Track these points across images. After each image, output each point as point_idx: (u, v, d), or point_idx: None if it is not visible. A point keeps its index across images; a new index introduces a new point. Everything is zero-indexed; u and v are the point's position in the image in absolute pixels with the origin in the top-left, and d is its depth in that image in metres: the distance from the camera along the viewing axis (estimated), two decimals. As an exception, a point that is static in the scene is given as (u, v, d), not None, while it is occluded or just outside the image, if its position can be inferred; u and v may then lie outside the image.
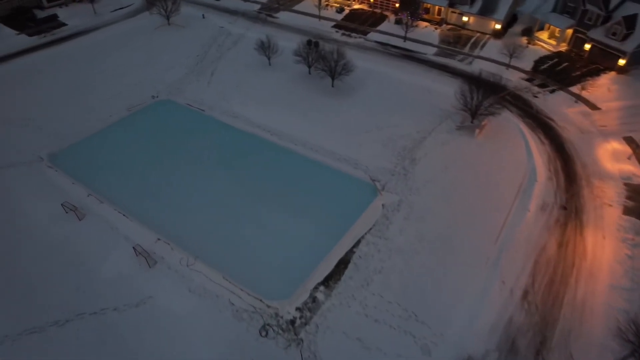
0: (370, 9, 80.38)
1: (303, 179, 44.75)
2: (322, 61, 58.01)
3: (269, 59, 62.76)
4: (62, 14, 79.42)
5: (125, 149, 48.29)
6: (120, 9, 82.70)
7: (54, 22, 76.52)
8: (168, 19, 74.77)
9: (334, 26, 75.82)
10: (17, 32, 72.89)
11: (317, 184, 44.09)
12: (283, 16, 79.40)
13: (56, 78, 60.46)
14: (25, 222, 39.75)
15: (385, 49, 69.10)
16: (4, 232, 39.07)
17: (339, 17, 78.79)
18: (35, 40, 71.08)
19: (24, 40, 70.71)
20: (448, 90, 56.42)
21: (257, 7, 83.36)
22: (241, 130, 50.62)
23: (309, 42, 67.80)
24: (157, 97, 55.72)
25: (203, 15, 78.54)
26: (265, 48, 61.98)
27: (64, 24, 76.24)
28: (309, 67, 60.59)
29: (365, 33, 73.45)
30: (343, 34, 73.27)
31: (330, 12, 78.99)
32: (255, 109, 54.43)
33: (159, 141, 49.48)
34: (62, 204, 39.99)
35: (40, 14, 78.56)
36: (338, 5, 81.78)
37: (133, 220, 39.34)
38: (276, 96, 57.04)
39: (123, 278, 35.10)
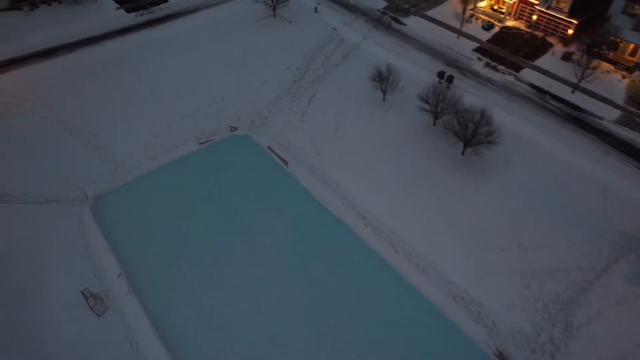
0: (529, 30, 58.98)
1: (391, 314, 30.33)
2: (455, 117, 41.05)
3: (384, 93, 46.86)
4: (167, -15, 69.45)
5: (175, 205, 37.05)
6: (229, -14, 70.64)
7: (156, -4, 66.94)
8: (274, 9, 61.04)
9: (477, 49, 56.48)
10: (118, 6, 64.35)
11: (410, 330, 29.50)
12: (412, 23, 61.39)
13: (137, 75, 50.57)
14: (40, 301, 30.84)
15: (542, 99, 49.13)
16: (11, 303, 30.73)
17: (485, 36, 58.79)
18: (131, 18, 61.92)
19: (119, 18, 61.88)
20: (637, 195, 37.10)
21: (382, 4, 65.94)
22: (327, 209, 36.55)
23: (440, 75, 50.23)
24: (236, 129, 43.44)
25: (316, 7, 63.43)
26: (383, 79, 46.05)
27: (164, 0, 66.28)
28: (435, 117, 43.89)
29: (517, 68, 53.40)
30: (487, 65, 53.99)
31: (474, 28, 59.18)
32: (352, 171, 39.92)
33: (219, 204, 37.27)
34: (81, 291, 30.40)
35: (145, -15, 69.37)
36: (486, 18, 61.39)
37: (159, 338, 28.63)
38: (383, 154, 41.72)
39: None
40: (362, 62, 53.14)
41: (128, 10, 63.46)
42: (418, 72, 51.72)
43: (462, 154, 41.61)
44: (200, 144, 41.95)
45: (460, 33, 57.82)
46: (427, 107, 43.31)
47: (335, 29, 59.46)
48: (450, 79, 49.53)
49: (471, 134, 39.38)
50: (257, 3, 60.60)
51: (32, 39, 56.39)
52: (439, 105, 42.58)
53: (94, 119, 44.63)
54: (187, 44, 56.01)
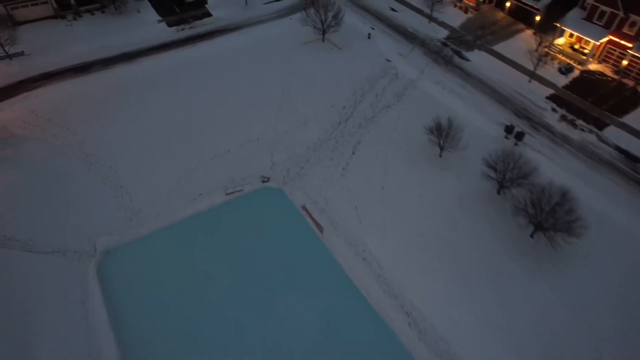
0: (617, 78, 49.97)
1: None
2: (526, 191, 33.74)
3: (441, 149, 39.96)
4: (212, -2, 64.94)
5: (190, 272, 31.73)
6: (276, 0, 65.20)
7: (199, 10, 62.32)
8: (323, 34, 55.01)
9: (551, 97, 48.26)
10: (160, 19, 60.36)
11: None
12: (477, 58, 53.71)
13: (169, 100, 45.98)
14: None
15: (633, 167, 40.70)
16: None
17: (562, 80, 50.33)
18: (171, 33, 57.71)
19: (160, 32, 57.80)
20: None
21: (443, 33, 58.51)
22: (363, 297, 30.21)
23: (508, 130, 42.69)
24: (268, 180, 37.91)
25: (370, 34, 56.88)
26: (442, 133, 39.16)
27: (208, 14, 61.70)
28: (501, 187, 36.65)
29: (600, 124, 44.89)
30: (563, 118, 45.78)
31: (549, 70, 50.72)
32: (397, 247, 33.40)
33: (241, 275, 31.70)
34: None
35: (191, -4, 65.12)
36: (564, 59, 52.75)
37: None
38: (436, 227, 34.92)
39: None
40: (417, 104, 46.32)
41: (170, 24, 59.35)
42: (482, 122, 44.35)
43: (531, 236, 34.25)
44: (227, 194, 36.74)
45: (532, 75, 49.72)
46: (493, 174, 36.17)
47: (389, 61, 52.76)
48: (519, 136, 41.88)
49: (545, 217, 32.04)
50: (306, 26, 54.67)
51: (69, 51, 53.22)
52: (507, 174, 35.34)
53: (117, 151, 40.34)
54: (226, 67, 50.97)
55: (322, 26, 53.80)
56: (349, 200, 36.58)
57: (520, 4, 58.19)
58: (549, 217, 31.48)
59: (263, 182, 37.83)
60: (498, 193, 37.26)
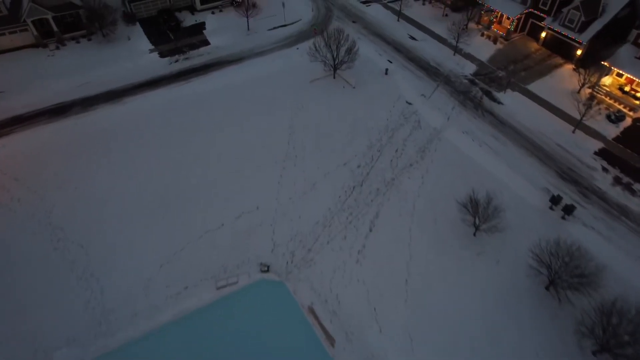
0: (677, 129, 42.57)
1: None
2: (585, 294, 26.69)
3: (476, 227, 32.86)
4: (211, 23, 57.68)
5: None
6: (282, 26, 58.04)
7: (196, 37, 55.25)
8: (334, 69, 47.82)
9: (600, 152, 40.88)
10: (151, 48, 53.41)
11: None
12: (510, 101, 46.27)
13: (155, 154, 39.13)
14: None
15: None
16: None
17: (611, 130, 42.84)
18: (163, 65, 50.71)
19: (151, 64, 50.75)
20: None
21: (470, 68, 51.08)
22: None
23: (554, 201, 35.44)
24: (268, 269, 31.00)
25: (387, 69, 49.60)
26: (477, 209, 32.07)
27: (206, 42, 54.67)
28: (550, 282, 29.52)
29: (664, 192, 37.64)
30: (616, 181, 38.35)
31: (596, 120, 43.08)
32: (426, 369, 26.70)
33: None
34: None
35: (188, 21, 58.01)
36: (613, 104, 45.14)
37: None
38: (474, 336, 27.80)
39: None
40: (443, 162, 39.16)
41: (162, 54, 52.42)
42: (521, 187, 37.12)
43: (594, 354, 27.18)
44: (218, 288, 29.92)
45: (577, 125, 42.32)
46: (543, 270, 29.08)
47: (410, 104, 45.52)
48: (569, 210, 34.63)
49: (612, 335, 25.00)
50: (315, 59, 47.40)
51: (48, 88, 46.49)
52: (562, 272, 28.20)
53: (90, 224, 33.57)
54: (222, 111, 43.92)
55: (334, 62, 46.64)
56: (366, 299, 29.59)
57: (558, 35, 50.67)
58: (626, 346, 24.42)
59: (262, 271, 30.94)
60: (547, 289, 30.15)
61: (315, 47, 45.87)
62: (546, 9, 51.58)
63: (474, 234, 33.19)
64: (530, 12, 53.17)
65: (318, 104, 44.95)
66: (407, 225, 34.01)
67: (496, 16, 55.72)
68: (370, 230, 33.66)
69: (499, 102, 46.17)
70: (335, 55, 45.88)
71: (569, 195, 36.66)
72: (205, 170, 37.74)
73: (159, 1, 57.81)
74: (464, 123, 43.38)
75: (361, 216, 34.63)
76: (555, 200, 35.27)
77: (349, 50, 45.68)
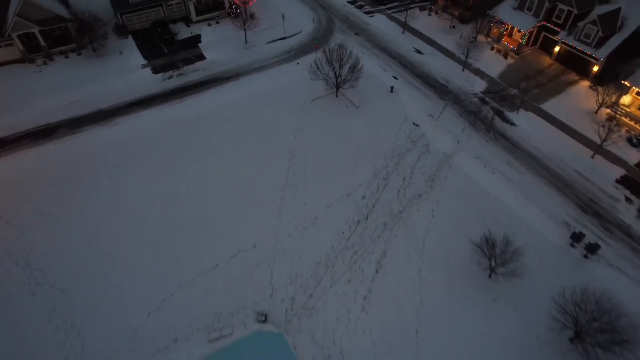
0: None
1: None
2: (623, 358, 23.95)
3: (491, 269, 30.07)
4: (207, 35, 54.73)
5: None
6: (282, 39, 55.12)
7: (191, 51, 52.35)
8: (337, 88, 44.96)
9: (622, 180, 37.66)
10: (144, 63, 50.50)
11: None
12: (524, 122, 43.33)
13: (145, 183, 36.19)
14: None
15: None
16: None
17: (633, 155, 39.82)
18: (156, 82, 47.83)
19: (143, 80, 47.86)
20: None
21: (480, 85, 48.20)
22: None
23: (575, 237, 32.61)
24: (265, 319, 28.21)
25: (392, 87, 46.75)
26: (490, 248, 29.31)
27: (202, 57, 51.79)
28: (576, 335, 26.64)
29: (694, 227, 34.71)
30: (643, 215, 35.64)
31: (617, 144, 40.12)
32: None
33: None
34: None
35: (183, 33, 55.08)
36: (634, 126, 42.15)
37: None
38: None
39: None
40: (455, 192, 36.32)
41: (155, 70, 49.55)
42: (538, 220, 34.29)
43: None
44: (211, 341, 27.16)
45: (599, 149, 39.45)
46: (568, 321, 26.31)
47: (417, 125, 42.69)
48: (592, 249, 31.83)
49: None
50: (316, 77, 44.54)
51: (33, 108, 43.71)
52: (587, 325, 25.42)
53: (73, 265, 30.74)
54: (218, 133, 41.01)
55: (336, 81, 43.79)
56: (373, 353, 26.80)
57: (573, 50, 47.77)
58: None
59: (259, 320, 28.15)
60: (572, 341, 27.36)
61: (317, 65, 42.99)
62: (560, 22, 48.67)
63: (489, 276, 30.40)
64: (543, 25, 50.27)
65: (319, 126, 42.11)
66: (417, 266, 31.21)
67: (506, 29, 52.83)
68: (377, 272, 30.86)
69: (512, 123, 43.32)
70: (337, 74, 43.03)
71: (590, 230, 33.86)
72: (199, 203, 34.90)
73: (153, 13, 54.89)
74: (475, 147, 40.56)
75: (367, 255, 31.83)
76: (576, 237, 32.48)
77: (353, 68, 42.81)
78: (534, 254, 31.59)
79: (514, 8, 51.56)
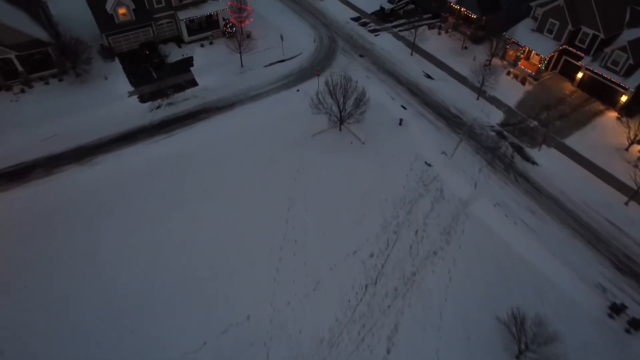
0: None
1: None
2: None
3: (520, 352, 25.95)
4: (200, 58, 50.25)
5: None
6: (281, 61, 50.84)
7: (183, 76, 48.05)
8: (341, 122, 40.76)
9: (661, 233, 33.89)
10: (131, 90, 46.24)
11: None
12: (546, 160, 39.09)
13: (126, 240, 32.10)
14: None
15: None
16: None
17: (672, 202, 35.95)
18: (144, 112, 43.48)
19: (129, 111, 43.42)
20: None
21: (497, 115, 43.95)
22: None
23: (614, 309, 28.45)
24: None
25: (401, 119, 42.52)
26: (518, 328, 25.24)
27: (193, 82, 47.53)
28: None
29: None
30: (688, 276, 31.47)
31: (653, 186, 36.17)
32: None
33: None
34: None
35: (174, 55, 50.71)
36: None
37: None
38: None
39: None
40: (474, 248, 32.16)
41: (143, 98, 45.27)
42: (569, 283, 30.15)
43: None
44: None
45: (631, 195, 35.30)
46: None
47: (429, 165, 38.52)
48: (636, 325, 27.73)
49: None
50: (317, 110, 40.29)
51: (7, 143, 39.57)
52: None
53: (38, 345, 26.62)
54: (207, 177, 36.81)
55: (340, 115, 39.61)
56: None
57: (599, 77, 43.53)
58: None
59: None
60: None
61: (319, 99, 38.78)
62: (584, 47, 44.38)
63: (517, 357, 26.31)
64: (565, 48, 45.98)
65: (321, 166, 37.92)
66: (434, 344, 27.10)
67: (524, 51, 48.53)
68: (388, 352, 26.76)
69: (534, 162, 39.13)
70: (342, 108, 38.83)
71: (629, 295, 29.76)
72: (185, 264, 30.75)
73: (142, 33, 50.54)
74: (494, 191, 36.38)
75: (376, 330, 27.73)
76: (616, 309, 28.34)
77: (358, 101, 38.56)
78: (566, 325, 27.53)
79: (533, 30, 47.26)
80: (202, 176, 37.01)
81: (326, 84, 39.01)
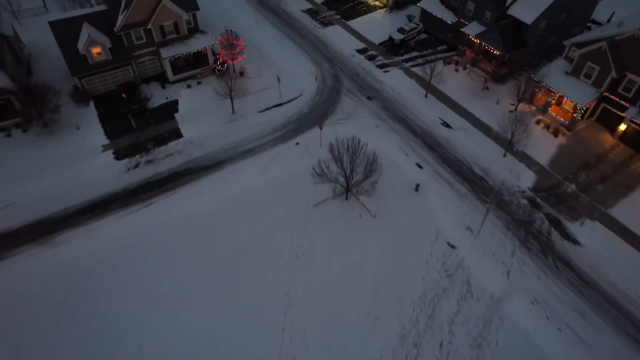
0: None
1: None
2: None
3: None
4: (186, 102, 43.80)
5: None
6: (277, 106, 44.41)
7: (166, 125, 41.72)
8: (348, 190, 34.48)
9: None
10: (106, 144, 39.89)
11: None
12: (590, 238, 32.30)
13: (95, 350, 26.55)
14: None
15: None
16: None
17: None
18: (119, 174, 37.19)
19: (102, 172, 37.11)
20: None
21: (527, 177, 37.64)
22: None
23: None
24: None
25: (417, 185, 36.17)
26: None
27: (178, 133, 41.21)
28: None
29: None
30: None
31: None
32: None
33: None
34: None
35: (157, 97, 44.31)
36: None
37: None
38: None
39: None
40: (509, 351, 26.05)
41: (119, 154, 39.04)
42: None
43: None
44: None
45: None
46: None
47: (453, 247, 32.28)
48: None
49: None
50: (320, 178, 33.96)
51: (-46, 216, 33.68)
52: None
53: None
54: (188, 264, 30.60)
55: (347, 184, 33.37)
56: None
57: (646, 133, 37.25)
58: None
59: None
60: None
61: (322, 168, 32.51)
62: (629, 96, 38.02)
63: None
64: (605, 96, 39.65)
65: (325, 250, 31.65)
66: None
67: (555, 96, 42.17)
68: None
69: (575, 241, 32.86)
70: (349, 175, 32.59)
71: None
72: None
73: (120, 73, 44.21)
74: (531, 283, 30.13)
75: None
76: None
77: (369, 169, 32.26)
78: None
79: (567, 72, 40.87)
80: (181, 265, 30.77)
81: (330, 149, 32.70)
